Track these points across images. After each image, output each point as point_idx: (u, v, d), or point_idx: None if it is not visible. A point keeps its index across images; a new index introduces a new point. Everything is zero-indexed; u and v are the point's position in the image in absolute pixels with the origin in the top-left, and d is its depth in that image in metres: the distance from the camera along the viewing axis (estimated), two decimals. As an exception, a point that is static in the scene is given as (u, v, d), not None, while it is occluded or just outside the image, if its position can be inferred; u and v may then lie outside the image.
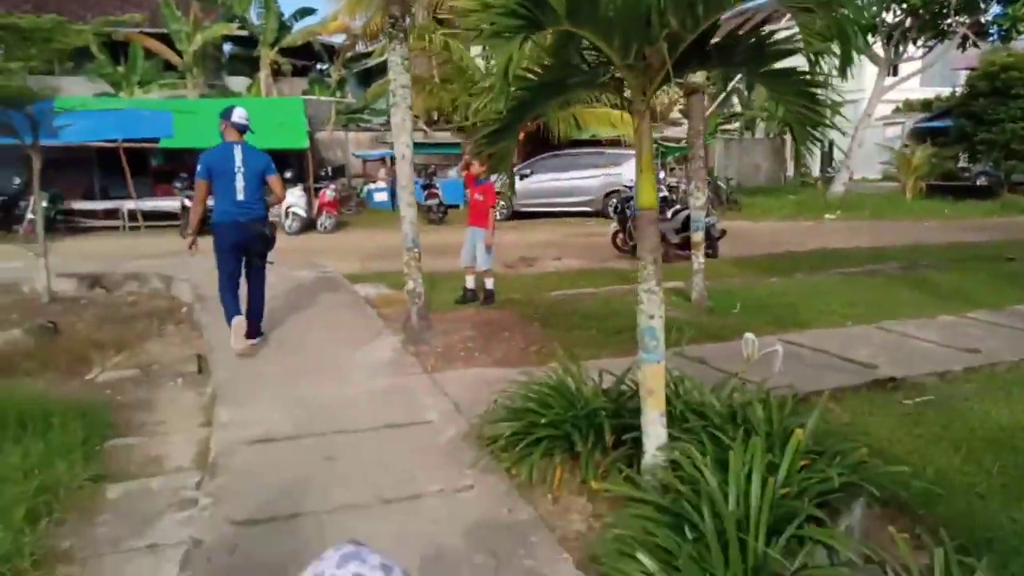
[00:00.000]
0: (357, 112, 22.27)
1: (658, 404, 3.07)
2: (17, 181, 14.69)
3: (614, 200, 16.58)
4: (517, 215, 17.29)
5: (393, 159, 19.97)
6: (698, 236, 7.22)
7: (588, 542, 2.92)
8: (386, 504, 3.16)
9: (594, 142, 20.10)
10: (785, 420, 3.23)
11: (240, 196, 5.36)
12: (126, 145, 15.42)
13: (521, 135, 19.67)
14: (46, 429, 3.74)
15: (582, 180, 17.27)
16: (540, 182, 17.37)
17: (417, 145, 20.99)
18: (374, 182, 19.48)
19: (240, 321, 5.36)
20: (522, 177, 17.43)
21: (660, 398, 3.08)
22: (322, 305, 6.95)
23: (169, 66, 21.52)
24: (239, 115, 5.48)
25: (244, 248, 5.47)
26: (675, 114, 22.14)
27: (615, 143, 18.56)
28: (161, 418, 4.41)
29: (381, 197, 19.02)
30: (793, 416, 3.30)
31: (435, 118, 22.95)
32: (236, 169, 5.35)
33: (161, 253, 10.42)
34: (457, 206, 17.24)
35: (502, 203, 17.87)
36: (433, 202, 16.66)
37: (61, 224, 14.99)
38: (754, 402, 3.34)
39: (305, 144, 16.78)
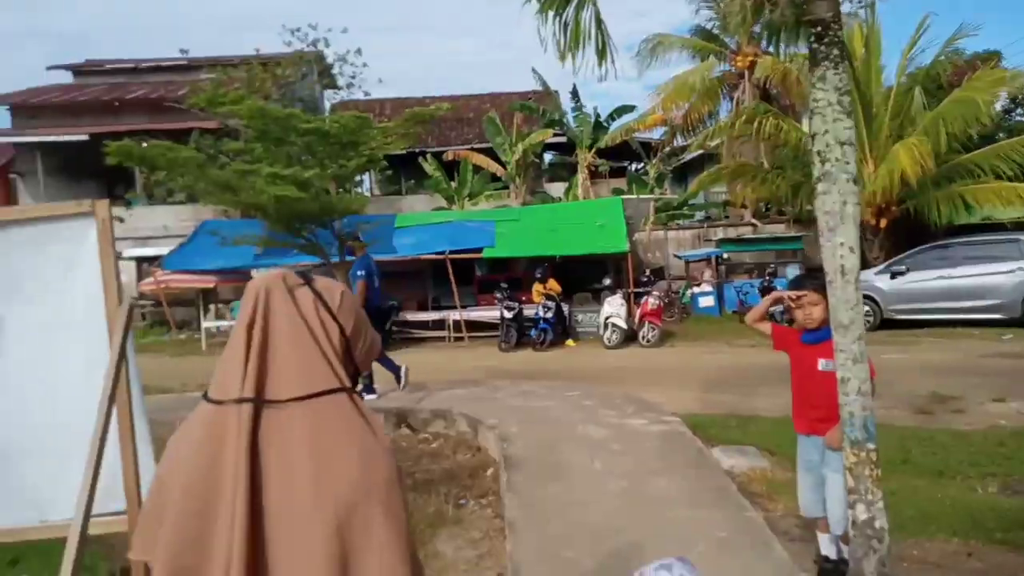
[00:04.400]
0: (677, 208, 20.48)
1: None
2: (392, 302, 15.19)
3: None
4: (886, 323, 13.49)
5: (720, 259, 17.69)
6: None
7: None
8: None
9: (992, 226, 15.55)
10: None
11: (377, 287, 8.63)
12: (452, 256, 15.47)
13: (883, 222, 15.57)
14: None
15: (987, 277, 12.86)
16: (920, 281, 13.42)
17: (745, 241, 18.61)
18: (698, 285, 17.21)
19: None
20: (893, 276, 13.70)
21: None
22: (673, 501, 4.38)
23: (495, 178, 22.28)
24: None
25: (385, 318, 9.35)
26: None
27: (1024, 227, 13.90)
28: None
29: (707, 302, 16.71)
30: None
31: (764, 209, 20.19)
32: (374, 271, 8.57)
33: (475, 371, 9.27)
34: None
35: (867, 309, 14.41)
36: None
37: (396, 335, 15.27)
38: None
39: (625, 247, 15.31)
